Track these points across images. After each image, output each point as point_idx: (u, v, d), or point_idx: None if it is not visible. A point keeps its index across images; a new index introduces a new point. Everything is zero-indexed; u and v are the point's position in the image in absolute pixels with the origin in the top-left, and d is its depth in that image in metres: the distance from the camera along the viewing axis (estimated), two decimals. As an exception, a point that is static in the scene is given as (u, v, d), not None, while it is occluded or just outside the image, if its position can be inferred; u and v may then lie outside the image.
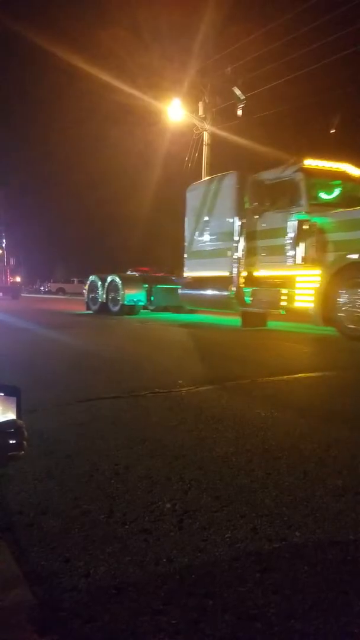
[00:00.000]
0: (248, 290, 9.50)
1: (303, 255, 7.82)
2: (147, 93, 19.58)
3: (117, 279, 13.42)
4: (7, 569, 1.37)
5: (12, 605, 1.24)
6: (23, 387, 1.17)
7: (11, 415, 1.04)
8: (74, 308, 17.20)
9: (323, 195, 8.90)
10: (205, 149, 20.84)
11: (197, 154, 21.10)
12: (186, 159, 21.24)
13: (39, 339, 7.61)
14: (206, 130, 20.49)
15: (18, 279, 30.01)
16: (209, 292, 10.67)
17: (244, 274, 9.64)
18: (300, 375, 4.43)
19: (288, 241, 8.05)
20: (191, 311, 13.38)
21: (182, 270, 12.39)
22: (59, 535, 1.55)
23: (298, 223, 7.82)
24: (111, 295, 13.63)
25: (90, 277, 15.02)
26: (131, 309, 13.19)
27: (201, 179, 20.87)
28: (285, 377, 4.27)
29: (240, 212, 9.63)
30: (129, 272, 15.79)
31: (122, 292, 13.08)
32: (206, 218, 10.98)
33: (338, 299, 7.46)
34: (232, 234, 9.76)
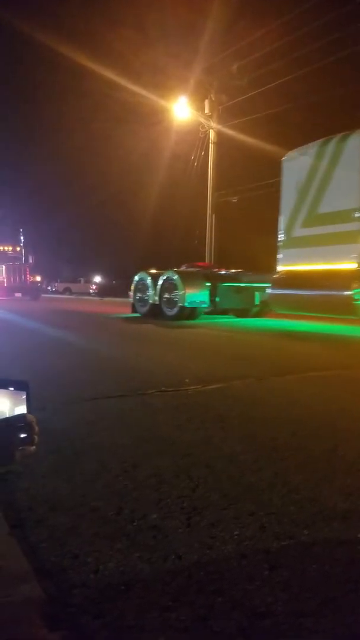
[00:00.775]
0: None
1: None
2: (154, 91, 19.57)
3: (175, 277, 11.05)
4: (17, 565, 1.38)
5: (22, 600, 1.25)
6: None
7: (21, 410, 1.05)
8: (113, 310, 15.07)
9: None
10: (211, 147, 20.80)
11: (202, 153, 21.06)
12: (192, 157, 21.21)
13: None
14: (212, 128, 20.45)
15: (38, 278, 26.97)
16: (317, 291, 8.09)
17: None
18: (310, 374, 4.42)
19: None
20: (259, 315, 11.46)
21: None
22: (68, 531, 1.56)
23: None
24: (165, 296, 11.26)
25: (138, 274, 12.70)
26: (192, 312, 10.85)
27: (208, 177, 20.86)
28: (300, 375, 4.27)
29: None
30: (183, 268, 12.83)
31: (182, 292, 10.63)
32: (316, 193, 8.41)
33: None
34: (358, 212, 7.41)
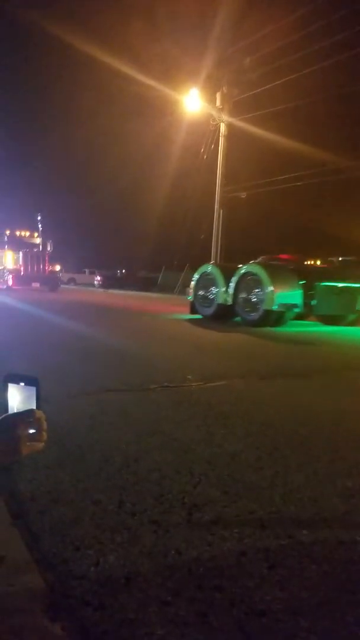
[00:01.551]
0: None
1: None
2: (166, 84, 19.47)
3: (259, 271, 8.89)
4: (19, 555, 1.40)
5: (23, 590, 1.27)
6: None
7: (31, 405, 1.06)
8: (157, 308, 13.09)
9: None
10: (221, 141, 20.69)
11: (212, 146, 20.96)
12: (202, 150, 21.11)
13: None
14: (223, 122, 20.33)
15: (58, 268, 23.74)
16: None
17: None
18: (316, 375, 4.42)
19: None
20: (355, 323, 9.50)
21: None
22: (70, 523, 1.58)
23: None
24: (242, 296, 9.16)
25: (203, 267, 10.55)
26: (279, 318, 8.72)
27: (217, 171, 20.79)
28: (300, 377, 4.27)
29: None
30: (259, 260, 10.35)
31: (269, 291, 8.51)
32: None
33: None
34: None
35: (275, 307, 8.50)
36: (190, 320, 9.62)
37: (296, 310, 8.83)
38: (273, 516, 1.67)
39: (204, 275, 10.38)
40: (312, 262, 19.16)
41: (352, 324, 9.59)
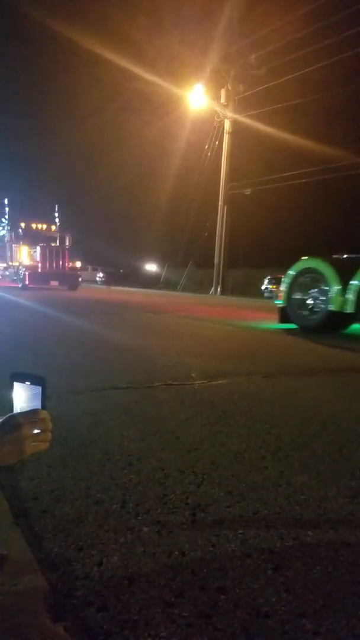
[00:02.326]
0: None
1: None
2: (170, 80, 19.40)
3: None
4: (21, 555, 1.39)
5: (26, 590, 1.26)
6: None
7: (36, 405, 1.05)
8: (225, 313, 11.21)
9: None
10: (226, 137, 20.63)
11: (217, 143, 20.90)
12: (206, 147, 21.06)
13: None
14: (228, 118, 20.26)
15: (78, 264, 21.20)
16: None
17: None
18: (319, 374, 4.40)
19: None
20: None
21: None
22: (73, 523, 1.57)
23: None
24: None
25: (303, 262, 7.87)
26: None
27: (221, 167, 20.74)
28: (302, 375, 4.25)
29: None
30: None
31: None
32: None
33: None
34: None
35: None
36: (294, 333, 7.53)
37: None
38: (277, 517, 1.66)
39: (304, 274, 7.76)
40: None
41: None
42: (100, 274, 34.95)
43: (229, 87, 20.05)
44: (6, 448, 1.02)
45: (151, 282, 29.07)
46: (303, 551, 1.46)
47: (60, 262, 19.80)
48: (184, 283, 24.27)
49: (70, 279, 20.13)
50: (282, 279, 8.34)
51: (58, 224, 22.59)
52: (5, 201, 23.03)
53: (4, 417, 1.04)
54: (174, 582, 1.30)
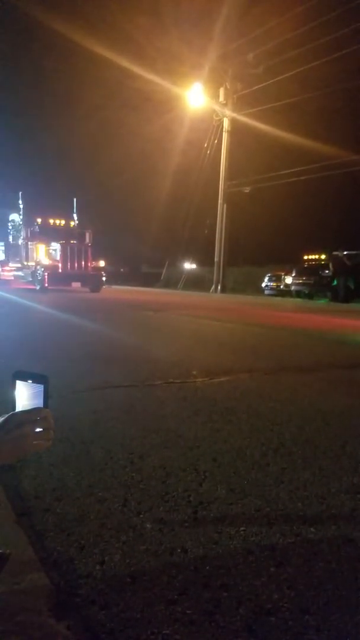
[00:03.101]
0: None
1: None
2: (168, 79, 19.37)
3: None
4: (23, 553, 1.39)
5: (29, 589, 1.26)
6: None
7: (38, 403, 1.05)
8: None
9: None
10: (225, 136, 20.61)
11: (216, 141, 20.88)
12: (205, 145, 21.03)
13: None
14: (227, 117, 20.24)
15: (102, 264, 18.94)
16: None
17: None
18: (319, 370, 4.40)
19: None
20: None
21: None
22: (75, 521, 1.57)
23: None
24: None
25: None
26: None
27: (220, 165, 20.73)
28: (302, 371, 4.24)
29: None
30: None
31: None
32: None
33: None
34: None
35: None
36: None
37: None
38: (280, 513, 1.66)
39: None
40: (317, 257, 19.10)
41: None
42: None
43: (228, 86, 20.02)
44: (8, 447, 1.02)
45: (151, 280, 29.06)
46: (305, 548, 1.46)
47: (83, 261, 17.87)
48: (183, 282, 24.26)
49: (93, 280, 18.08)
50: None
51: (76, 219, 19.93)
52: (19, 195, 19.60)
53: (5, 416, 1.04)
54: (176, 579, 1.29)
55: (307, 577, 1.32)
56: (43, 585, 1.27)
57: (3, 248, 21.55)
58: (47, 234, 18.20)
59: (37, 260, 17.74)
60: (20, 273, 19.66)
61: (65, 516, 1.60)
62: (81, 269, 17.84)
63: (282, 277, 19.42)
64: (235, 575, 1.32)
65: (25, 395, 1.06)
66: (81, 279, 17.72)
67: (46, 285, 16.91)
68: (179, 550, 1.42)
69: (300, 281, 17.55)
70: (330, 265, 15.44)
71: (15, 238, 20.39)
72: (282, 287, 19.36)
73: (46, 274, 17.00)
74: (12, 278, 20.14)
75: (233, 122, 20.29)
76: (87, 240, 19.09)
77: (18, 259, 19.90)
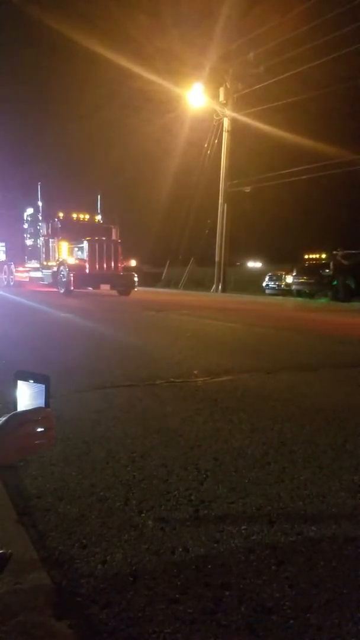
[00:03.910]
0: None
1: None
2: (169, 79, 19.36)
3: None
4: (25, 553, 1.39)
5: (30, 588, 1.26)
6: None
7: (40, 403, 1.04)
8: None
9: None
10: (225, 136, 20.59)
11: (216, 141, 20.87)
12: (205, 145, 21.02)
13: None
14: (227, 117, 20.23)
15: (133, 263, 16.81)
16: None
17: None
18: (319, 369, 4.40)
19: None
20: None
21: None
22: (76, 521, 1.57)
23: None
24: None
25: None
26: None
27: (220, 165, 20.73)
28: (303, 371, 4.24)
29: None
30: None
31: None
32: None
33: None
34: None
35: None
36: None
37: None
38: (281, 512, 1.66)
39: None
40: (317, 256, 19.08)
41: None
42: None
43: (228, 86, 20.00)
44: (10, 446, 1.02)
45: (152, 280, 29.05)
46: (307, 546, 1.46)
47: (112, 261, 15.66)
48: (184, 281, 24.27)
49: (124, 281, 15.84)
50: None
51: (100, 212, 17.81)
52: (38, 186, 17.43)
53: (7, 416, 1.04)
54: (178, 578, 1.30)
55: (308, 576, 1.32)
56: (45, 585, 1.27)
57: (4, 248, 20.48)
58: (70, 230, 16.09)
59: (61, 259, 15.68)
60: (38, 274, 17.54)
61: (66, 515, 1.60)
62: (110, 269, 15.62)
63: (283, 276, 19.42)
64: (237, 574, 1.32)
65: (26, 395, 1.06)
66: (111, 280, 15.55)
67: (72, 287, 14.82)
68: (180, 549, 1.42)
69: (301, 280, 17.55)
70: (331, 265, 15.44)
71: (32, 235, 18.08)
72: (282, 286, 19.37)
73: (72, 274, 14.76)
74: (28, 280, 18.26)
75: (233, 121, 20.28)
76: (114, 236, 17.04)
77: (35, 259, 17.74)
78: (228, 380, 3.74)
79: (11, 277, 19.06)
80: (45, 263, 17.02)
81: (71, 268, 14.95)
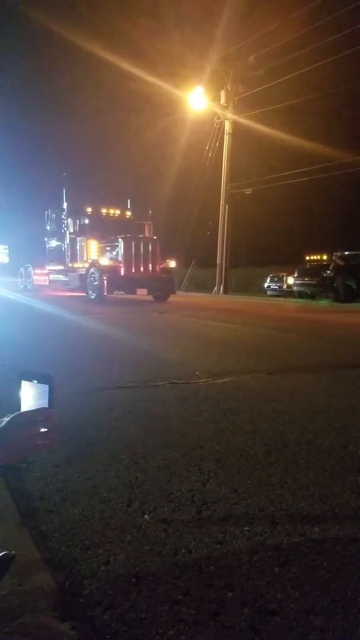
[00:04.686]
0: None
1: None
2: (169, 81, 19.39)
3: None
4: (28, 554, 1.39)
5: (33, 589, 1.26)
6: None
7: (43, 403, 1.04)
8: None
9: None
10: (226, 138, 20.62)
11: (217, 144, 20.89)
12: (207, 148, 21.04)
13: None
14: (228, 119, 20.26)
15: (173, 264, 14.68)
16: None
17: None
18: (321, 370, 4.39)
19: None
20: None
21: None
22: (79, 522, 1.57)
23: None
24: None
25: None
26: None
27: (222, 168, 20.75)
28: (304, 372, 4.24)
29: None
30: None
31: None
32: None
33: None
34: None
35: None
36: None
37: None
38: (283, 513, 1.66)
39: None
40: (318, 257, 19.07)
41: None
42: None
43: (229, 88, 20.03)
44: (13, 447, 1.02)
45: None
46: (310, 547, 1.46)
47: (150, 262, 13.62)
48: (186, 283, 24.28)
49: (162, 285, 13.77)
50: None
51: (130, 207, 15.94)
52: (63, 177, 15.54)
53: (11, 416, 1.04)
54: (180, 580, 1.29)
55: (311, 577, 1.32)
56: (48, 586, 1.27)
57: (7, 251, 19.94)
58: (100, 228, 14.18)
59: (91, 260, 13.77)
60: (61, 277, 15.65)
61: (69, 517, 1.60)
62: (148, 271, 13.57)
63: (284, 277, 19.42)
64: (240, 575, 1.31)
65: (30, 395, 1.06)
66: (148, 284, 13.42)
67: (105, 293, 12.79)
68: (183, 551, 1.42)
69: (302, 282, 17.55)
70: (331, 266, 15.45)
71: (53, 234, 16.16)
72: (284, 287, 19.37)
73: (105, 278, 12.72)
74: (47, 283, 16.53)
75: (234, 124, 20.31)
76: (147, 233, 15.15)
77: (57, 260, 15.85)
78: (230, 381, 3.74)
79: (29, 280, 17.30)
80: (70, 265, 15.12)
81: (104, 270, 12.90)
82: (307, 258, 20.09)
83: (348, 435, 2.47)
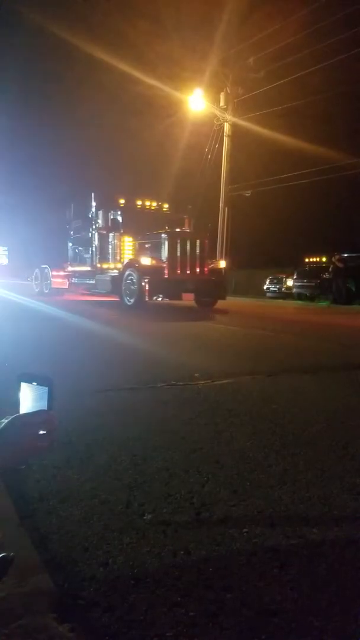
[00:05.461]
0: None
1: None
2: (169, 84, 19.42)
3: None
4: (27, 556, 1.39)
5: (32, 591, 1.26)
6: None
7: (42, 405, 1.04)
8: None
9: None
10: (225, 140, 20.66)
11: (217, 146, 20.93)
12: (206, 150, 21.07)
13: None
14: (227, 121, 20.30)
15: (222, 264, 12.84)
16: None
17: None
18: (320, 371, 4.39)
19: None
20: None
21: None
22: (78, 524, 1.57)
23: None
24: None
25: None
26: None
27: (221, 170, 20.79)
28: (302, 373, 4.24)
29: None
30: None
31: None
32: None
33: None
34: None
35: None
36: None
37: None
38: (282, 515, 1.66)
39: None
40: (318, 259, 19.08)
41: None
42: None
43: (228, 91, 20.07)
44: (12, 449, 1.02)
45: None
46: (308, 549, 1.46)
47: (198, 263, 11.37)
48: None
49: (212, 289, 11.75)
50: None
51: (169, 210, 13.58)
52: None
53: (10, 418, 1.04)
54: (179, 581, 1.29)
55: (310, 578, 1.32)
56: (47, 588, 1.27)
57: (6, 253, 19.37)
58: (136, 222, 11.87)
59: (128, 260, 11.59)
60: (86, 280, 13.53)
61: (68, 518, 1.60)
62: (195, 273, 11.35)
63: (284, 279, 19.43)
64: (239, 577, 1.32)
65: (29, 397, 1.06)
66: (196, 288, 11.35)
67: (147, 298, 10.71)
68: (182, 552, 1.42)
69: (302, 283, 17.58)
70: (330, 268, 15.48)
71: (77, 231, 13.93)
72: (283, 289, 19.38)
73: (146, 280, 10.61)
74: (67, 286, 14.54)
75: (234, 126, 20.35)
76: (187, 228, 12.92)
77: (80, 261, 13.87)
78: (229, 382, 3.74)
79: (45, 282, 15.22)
80: (99, 265, 12.82)
81: (145, 272, 10.76)
82: (307, 260, 20.10)
83: (347, 437, 2.47)
